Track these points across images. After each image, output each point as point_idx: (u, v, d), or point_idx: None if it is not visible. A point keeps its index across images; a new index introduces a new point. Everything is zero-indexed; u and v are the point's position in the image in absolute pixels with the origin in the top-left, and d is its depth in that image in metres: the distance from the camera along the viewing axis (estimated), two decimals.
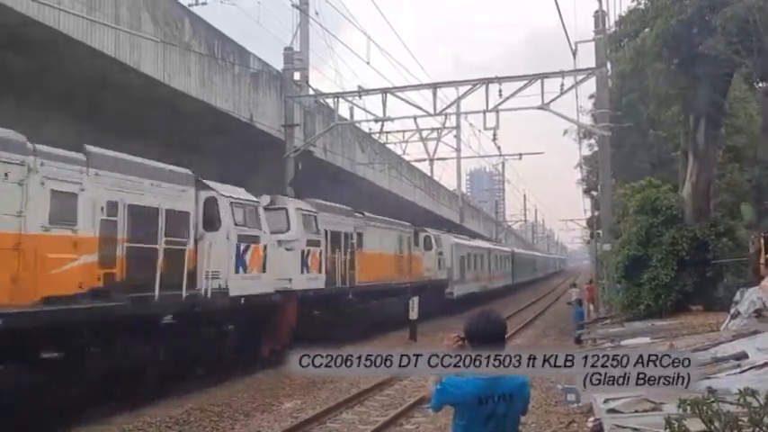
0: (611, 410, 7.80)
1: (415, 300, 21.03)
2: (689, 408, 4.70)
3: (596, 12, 22.30)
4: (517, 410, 3.38)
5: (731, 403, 5.34)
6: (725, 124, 22.02)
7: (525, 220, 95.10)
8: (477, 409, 3.26)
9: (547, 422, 9.22)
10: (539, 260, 78.82)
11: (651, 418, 6.97)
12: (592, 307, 25.01)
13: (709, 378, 9.00)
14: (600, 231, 25.93)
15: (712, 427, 4.67)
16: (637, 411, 7.59)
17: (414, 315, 20.66)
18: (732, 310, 14.72)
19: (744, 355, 10.15)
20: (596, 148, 30.01)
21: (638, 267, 19.64)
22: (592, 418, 8.18)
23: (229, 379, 12.89)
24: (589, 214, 42.02)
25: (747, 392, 4.80)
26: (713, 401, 4.93)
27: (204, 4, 20.07)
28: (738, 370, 9.43)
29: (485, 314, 3.45)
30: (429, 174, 43.27)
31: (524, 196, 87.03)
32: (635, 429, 6.87)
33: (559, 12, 26.97)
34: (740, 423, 4.66)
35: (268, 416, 10.50)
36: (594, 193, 35.16)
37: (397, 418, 10.09)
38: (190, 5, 18.77)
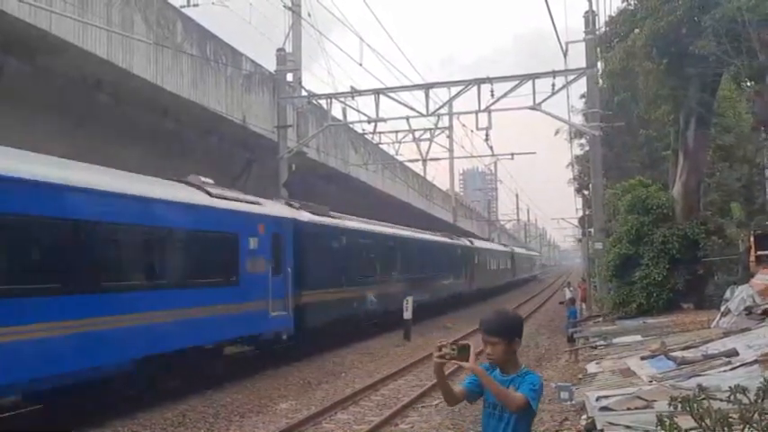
0: (604, 408, 7.90)
1: (410, 299, 21.08)
2: (680, 405, 4.76)
3: (586, 12, 22.45)
4: None
5: (722, 400, 5.42)
6: (714, 124, 22.18)
7: (518, 220, 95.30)
8: None
9: (540, 420, 9.26)
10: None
11: (643, 416, 7.06)
12: (584, 305, 25.11)
13: (699, 375, 9.13)
14: (591, 230, 26.08)
15: (703, 424, 4.73)
16: (629, 409, 7.68)
17: (408, 315, 20.68)
18: (723, 308, 14.86)
19: (734, 353, 10.27)
20: (587, 148, 30.18)
21: (630, 266, 19.80)
22: (584, 416, 8.26)
23: (225, 380, 12.90)
24: (581, 213, 42.14)
25: (738, 389, 4.87)
26: (704, 399, 5.00)
27: (196, 5, 19.99)
28: (729, 367, 9.53)
29: (504, 310, 3.55)
30: (422, 174, 43.37)
31: (516, 195, 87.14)
32: (627, 427, 6.96)
33: (550, 12, 27.12)
34: (731, 420, 4.72)
35: (263, 417, 10.52)
36: (586, 192, 35.30)
37: (392, 418, 10.13)
38: (181, 7, 18.71)
